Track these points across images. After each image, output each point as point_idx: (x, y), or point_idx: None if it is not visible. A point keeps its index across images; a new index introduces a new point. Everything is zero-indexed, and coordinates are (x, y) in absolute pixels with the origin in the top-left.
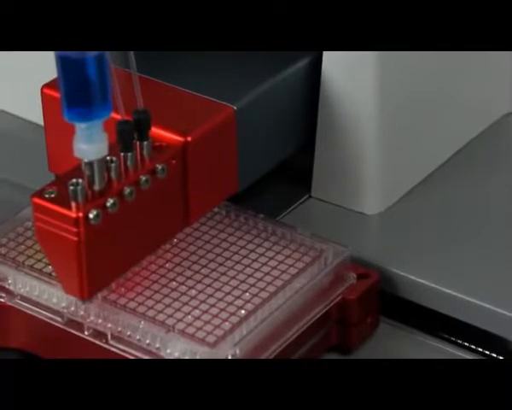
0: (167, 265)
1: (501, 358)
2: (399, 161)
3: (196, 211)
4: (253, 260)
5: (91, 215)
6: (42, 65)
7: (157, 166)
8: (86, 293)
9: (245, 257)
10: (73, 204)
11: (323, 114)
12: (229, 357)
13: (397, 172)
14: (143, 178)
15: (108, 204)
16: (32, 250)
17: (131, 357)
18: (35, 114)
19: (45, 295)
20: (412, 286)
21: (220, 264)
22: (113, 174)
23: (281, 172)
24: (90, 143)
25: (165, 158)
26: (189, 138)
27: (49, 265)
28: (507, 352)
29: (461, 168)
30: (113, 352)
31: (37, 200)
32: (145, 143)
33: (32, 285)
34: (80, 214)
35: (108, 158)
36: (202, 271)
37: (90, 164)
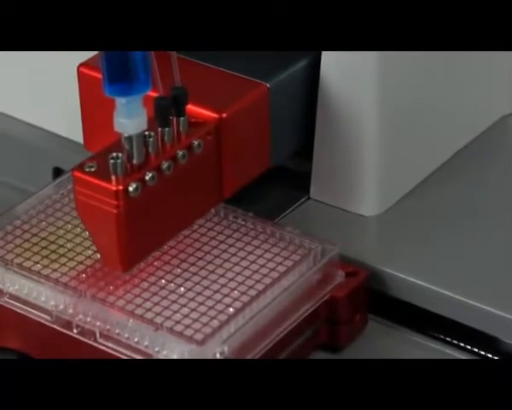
0: (155, 263)
1: (489, 356)
2: (398, 163)
3: (230, 186)
4: (242, 258)
5: (131, 188)
6: (42, 67)
7: (193, 141)
8: (125, 265)
9: (233, 255)
10: (113, 177)
11: (322, 115)
12: (218, 355)
13: (395, 174)
14: (180, 152)
15: (147, 178)
16: (20, 249)
17: (120, 355)
18: (34, 117)
19: (34, 294)
20: (409, 286)
21: (209, 262)
22: (151, 149)
23: (280, 174)
24: (129, 118)
25: (200, 134)
26: (224, 115)
27: (38, 263)
28: (497, 350)
29: (459, 170)
30: (101, 350)
31: (77, 173)
32: (182, 119)
33: (21, 284)
34: (120, 187)
35: (147, 133)
36: (191, 269)
37: (130, 138)
